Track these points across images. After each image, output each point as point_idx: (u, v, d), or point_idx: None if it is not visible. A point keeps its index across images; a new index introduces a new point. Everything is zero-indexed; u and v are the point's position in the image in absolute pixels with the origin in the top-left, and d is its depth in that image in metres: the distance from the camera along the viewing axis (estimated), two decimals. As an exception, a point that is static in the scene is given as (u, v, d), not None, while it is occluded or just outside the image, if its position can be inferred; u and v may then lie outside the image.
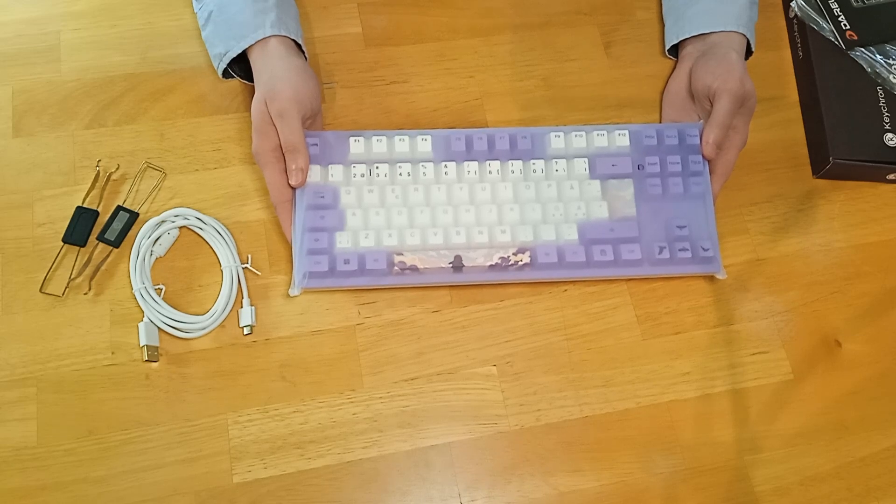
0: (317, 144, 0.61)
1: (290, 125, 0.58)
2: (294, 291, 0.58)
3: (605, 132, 0.63)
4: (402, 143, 0.61)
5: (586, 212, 0.61)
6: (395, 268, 0.58)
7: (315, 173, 0.60)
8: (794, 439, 0.59)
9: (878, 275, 0.65)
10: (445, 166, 0.61)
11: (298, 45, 0.63)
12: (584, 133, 0.63)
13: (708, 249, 0.60)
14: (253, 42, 0.60)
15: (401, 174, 0.61)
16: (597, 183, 0.62)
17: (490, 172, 0.61)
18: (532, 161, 0.62)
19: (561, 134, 0.63)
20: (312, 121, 0.62)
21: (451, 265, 0.58)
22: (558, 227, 0.60)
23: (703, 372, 0.61)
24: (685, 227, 0.61)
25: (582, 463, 0.57)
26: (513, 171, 0.61)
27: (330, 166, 0.60)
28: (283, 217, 0.60)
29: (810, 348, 0.62)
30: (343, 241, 0.58)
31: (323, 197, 0.59)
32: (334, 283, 0.59)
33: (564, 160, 0.62)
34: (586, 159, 0.62)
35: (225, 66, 0.62)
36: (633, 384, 0.60)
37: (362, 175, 0.60)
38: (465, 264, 0.58)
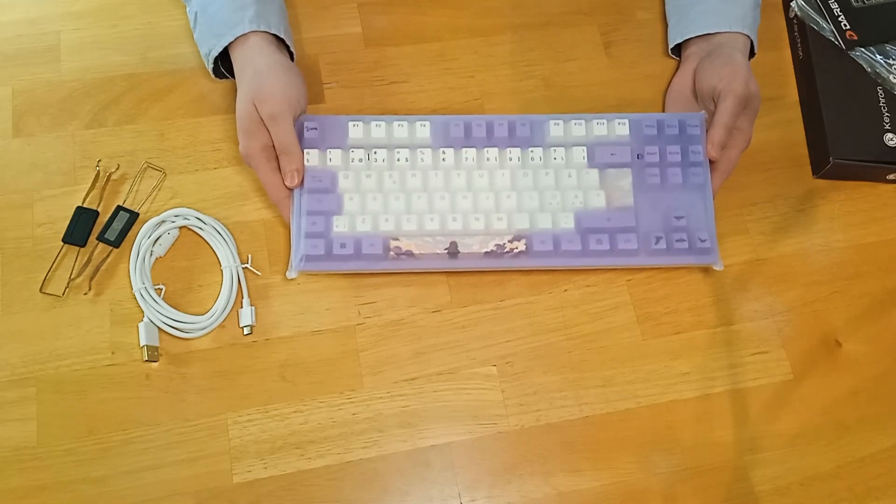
0: (316, 128, 0.61)
1: (283, 127, 0.58)
2: (291, 274, 0.58)
3: (604, 121, 0.63)
4: (400, 129, 0.62)
5: (584, 200, 0.61)
6: (392, 252, 0.58)
7: (314, 157, 0.60)
8: (794, 439, 0.59)
9: (878, 275, 0.65)
10: (443, 152, 0.61)
11: (284, 41, 0.62)
12: (583, 121, 0.63)
13: (705, 241, 0.60)
14: (231, 39, 0.60)
15: (398, 159, 0.61)
16: (595, 172, 0.62)
17: (488, 159, 0.61)
18: (530, 149, 0.62)
19: (560, 122, 0.63)
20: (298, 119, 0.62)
21: (446, 251, 0.59)
22: (555, 215, 0.60)
23: (703, 372, 0.61)
24: (683, 217, 0.61)
25: (582, 463, 0.57)
26: (510, 159, 0.62)
27: (329, 150, 0.61)
28: (286, 213, 0.60)
29: (810, 348, 0.62)
30: (340, 226, 0.59)
31: (321, 181, 0.60)
32: (330, 267, 0.59)
33: (563, 148, 0.62)
34: (585, 148, 0.62)
35: (211, 65, 0.62)
36: (633, 384, 0.60)
37: (360, 160, 0.61)
38: (460, 251, 0.59)
